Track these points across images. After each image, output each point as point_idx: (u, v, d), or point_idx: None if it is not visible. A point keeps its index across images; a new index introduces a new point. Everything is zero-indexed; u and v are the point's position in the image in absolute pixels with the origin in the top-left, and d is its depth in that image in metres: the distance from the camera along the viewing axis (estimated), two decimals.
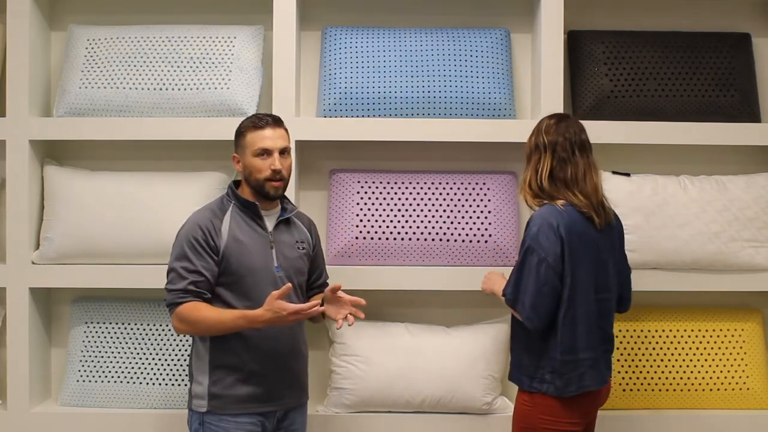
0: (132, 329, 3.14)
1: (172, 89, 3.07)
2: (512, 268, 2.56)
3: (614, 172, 3.16)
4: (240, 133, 2.55)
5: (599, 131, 3.03)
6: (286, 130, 2.58)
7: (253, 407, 2.49)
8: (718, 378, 3.13)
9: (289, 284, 2.38)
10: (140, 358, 3.11)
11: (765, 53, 3.32)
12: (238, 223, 2.51)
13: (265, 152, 2.50)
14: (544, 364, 2.49)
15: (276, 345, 2.52)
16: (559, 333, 2.46)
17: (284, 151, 2.53)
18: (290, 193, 3.03)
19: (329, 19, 3.26)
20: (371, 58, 3.11)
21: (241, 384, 2.47)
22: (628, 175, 3.15)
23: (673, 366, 3.14)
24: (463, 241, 3.10)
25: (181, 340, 3.12)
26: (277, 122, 2.55)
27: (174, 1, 3.29)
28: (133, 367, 3.11)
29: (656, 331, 3.17)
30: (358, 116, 3.08)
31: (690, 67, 3.16)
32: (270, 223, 2.57)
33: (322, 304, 2.45)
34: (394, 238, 3.10)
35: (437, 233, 3.10)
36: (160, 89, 3.07)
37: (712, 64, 3.17)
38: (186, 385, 3.08)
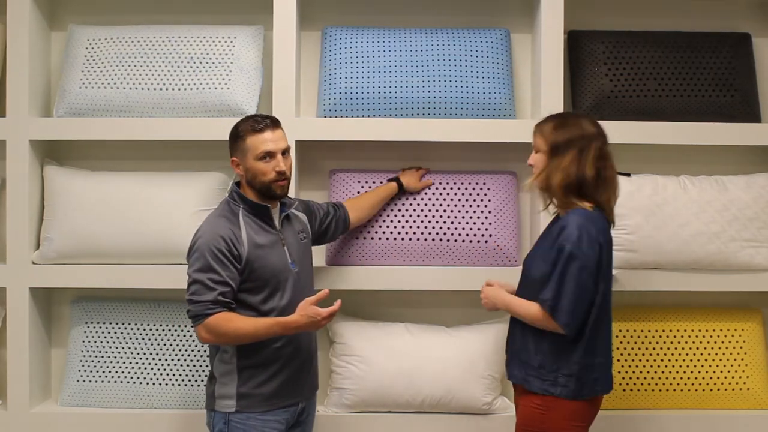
0: (132, 329, 3.14)
1: (173, 89, 3.07)
2: (536, 271, 2.51)
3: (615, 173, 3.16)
4: (239, 137, 2.53)
5: None
6: (282, 130, 2.59)
7: (281, 403, 2.53)
8: (718, 378, 3.13)
9: (326, 290, 2.46)
10: (140, 358, 3.11)
11: (765, 53, 3.32)
12: (252, 228, 2.52)
13: (268, 155, 2.51)
14: (561, 366, 2.46)
15: (300, 341, 2.57)
16: (586, 338, 2.45)
17: (285, 152, 2.56)
18: (290, 193, 3.04)
19: (329, 19, 3.26)
20: (371, 58, 3.10)
21: (269, 382, 2.51)
22: (628, 175, 3.14)
23: (673, 366, 3.14)
24: (463, 241, 3.10)
25: (181, 340, 3.12)
26: (275, 123, 2.56)
27: (174, 1, 3.29)
28: (132, 367, 3.11)
29: (656, 331, 3.17)
30: (358, 116, 3.08)
31: (690, 67, 3.16)
32: (277, 222, 2.60)
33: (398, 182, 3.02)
34: (395, 239, 3.09)
35: (437, 233, 3.10)
36: (161, 89, 3.07)
37: (712, 64, 3.17)
38: (186, 385, 3.08)
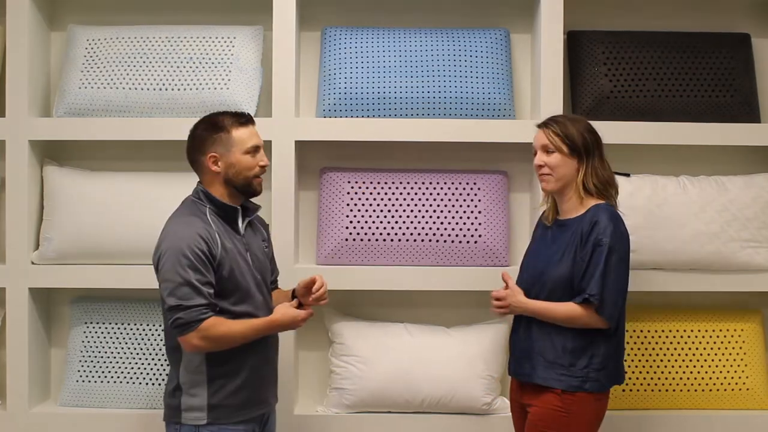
0: (132, 329, 3.14)
1: (172, 89, 3.07)
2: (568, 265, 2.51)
3: (614, 173, 3.15)
4: (221, 129, 2.43)
5: (599, 131, 3.03)
6: None
7: (250, 412, 2.45)
8: (718, 378, 3.12)
9: (315, 276, 2.52)
10: (140, 359, 3.11)
11: (765, 53, 3.32)
12: (219, 230, 2.41)
13: (256, 149, 2.47)
14: (591, 362, 2.47)
15: (266, 347, 2.51)
16: (620, 329, 2.52)
17: (263, 148, 2.52)
18: (289, 193, 3.04)
19: (329, 19, 3.26)
20: (371, 58, 3.10)
21: (239, 391, 2.42)
22: (628, 175, 3.14)
23: (672, 366, 3.14)
24: (453, 241, 3.09)
25: None
26: (253, 119, 2.52)
27: (174, 1, 3.29)
28: (132, 368, 3.11)
29: (656, 331, 3.16)
30: (357, 116, 3.08)
31: (690, 67, 3.16)
32: (241, 226, 2.51)
33: (294, 296, 2.59)
34: (384, 239, 3.09)
35: (427, 233, 3.09)
36: (160, 89, 3.07)
37: (712, 64, 3.17)
38: None
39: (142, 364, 3.10)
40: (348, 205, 3.11)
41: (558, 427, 2.48)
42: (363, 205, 3.12)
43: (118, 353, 3.12)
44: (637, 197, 3.07)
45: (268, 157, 2.55)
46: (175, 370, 2.44)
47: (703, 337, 3.17)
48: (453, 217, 3.11)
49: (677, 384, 3.13)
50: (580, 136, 2.53)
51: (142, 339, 3.12)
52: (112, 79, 3.09)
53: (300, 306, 2.53)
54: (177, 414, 2.41)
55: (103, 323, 3.15)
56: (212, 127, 2.46)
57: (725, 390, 3.12)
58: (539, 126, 2.61)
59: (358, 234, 3.09)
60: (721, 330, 3.17)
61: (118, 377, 3.10)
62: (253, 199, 2.57)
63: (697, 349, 3.15)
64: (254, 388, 2.46)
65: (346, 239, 3.09)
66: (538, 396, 2.53)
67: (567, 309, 2.48)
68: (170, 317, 2.32)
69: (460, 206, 3.12)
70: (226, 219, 2.46)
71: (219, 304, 2.38)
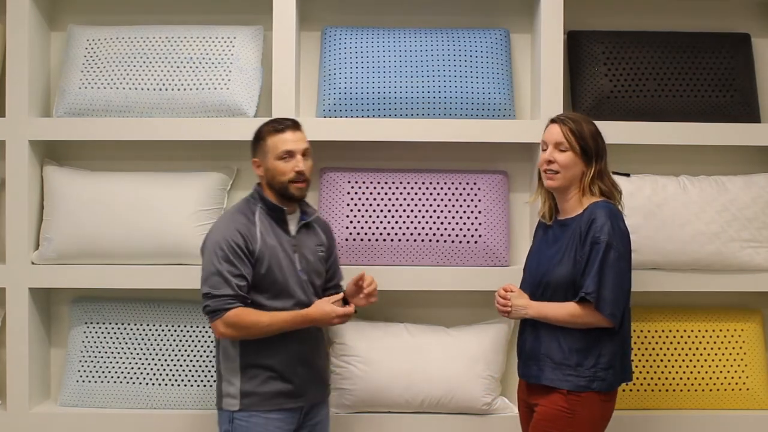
0: (132, 329, 3.14)
1: (172, 89, 3.07)
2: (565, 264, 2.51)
3: (614, 173, 3.14)
4: (260, 137, 2.59)
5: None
6: (303, 132, 2.62)
7: (283, 403, 2.55)
8: (717, 378, 3.12)
9: (363, 273, 2.60)
10: (140, 359, 3.11)
11: (765, 53, 3.32)
12: (266, 227, 2.56)
13: (288, 154, 2.55)
14: (599, 361, 2.47)
15: (302, 343, 2.59)
16: (626, 326, 2.52)
17: (305, 153, 2.59)
18: None
19: (329, 19, 3.26)
20: (371, 58, 3.10)
21: (272, 381, 2.54)
22: (628, 175, 3.14)
23: (672, 366, 3.14)
24: (453, 241, 3.09)
25: (181, 341, 3.12)
26: (296, 125, 2.61)
27: (174, 1, 3.29)
28: (132, 368, 3.11)
29: (656, 331, 3.17)
30: (357, 116, 3.08)
31: (690, 67, 3.16)
32: (293, 227, 2.62)
33: (345, 301, 2.63)
34: (384, 239, 3.09)
35: (427, 233, 3.09)
36: (160, 89, 3.07)
37: (712, 64, 3.17)
38: (185, 385, 3.08)
39: (142, 364, 3.10)
40: (348, 205, 3.12)
41: (561, 426, 2.47)
42: (363, 205, 3.12)
43: (118, 353, 3.12)
44: (637, 197, 3.07)
45: None
46: (217, 359, 2.61)
47: (703, 337, 3.17)
48: (453, 217, 3.11)
49: (677, 384, 3.13)
50: (592, 139, 2.52)
51: (142, 339, 3.12)
52: (112, 79, 3.09)
53: (345, 304, 2.60)
54: (220, 400, 2.59)
55: (103, 323, 3.15)
56: (256, 134, 2.63)
57: (725, 390, 3.12)
58: (554, 121, 2.57)
59: (358, 234, 3.09)
60: (721, 330, 3.17)
61: (118, 377, 3.10)
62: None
63: (697, 349, 3.15)
64: (287, 381, 2.55)
65: (346, 239, 3.09)
66: (545, 396, 2.52)
67: (568, 309, 2.48)
68: (202, 304, 2.51)
69: (460, 206, 3.12)
70: (275, 218, 2.59)
71: (254, 298, 2.52)
